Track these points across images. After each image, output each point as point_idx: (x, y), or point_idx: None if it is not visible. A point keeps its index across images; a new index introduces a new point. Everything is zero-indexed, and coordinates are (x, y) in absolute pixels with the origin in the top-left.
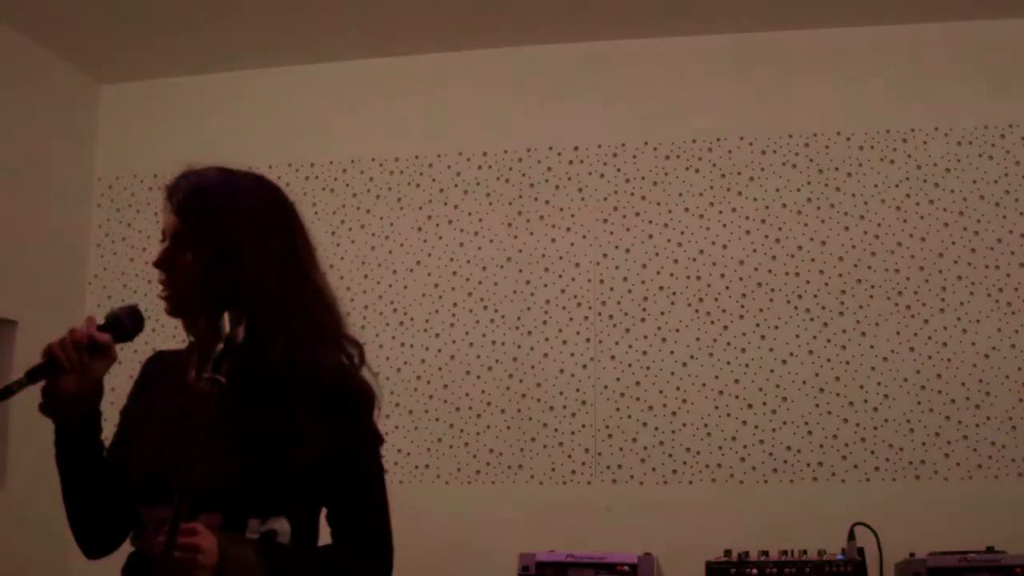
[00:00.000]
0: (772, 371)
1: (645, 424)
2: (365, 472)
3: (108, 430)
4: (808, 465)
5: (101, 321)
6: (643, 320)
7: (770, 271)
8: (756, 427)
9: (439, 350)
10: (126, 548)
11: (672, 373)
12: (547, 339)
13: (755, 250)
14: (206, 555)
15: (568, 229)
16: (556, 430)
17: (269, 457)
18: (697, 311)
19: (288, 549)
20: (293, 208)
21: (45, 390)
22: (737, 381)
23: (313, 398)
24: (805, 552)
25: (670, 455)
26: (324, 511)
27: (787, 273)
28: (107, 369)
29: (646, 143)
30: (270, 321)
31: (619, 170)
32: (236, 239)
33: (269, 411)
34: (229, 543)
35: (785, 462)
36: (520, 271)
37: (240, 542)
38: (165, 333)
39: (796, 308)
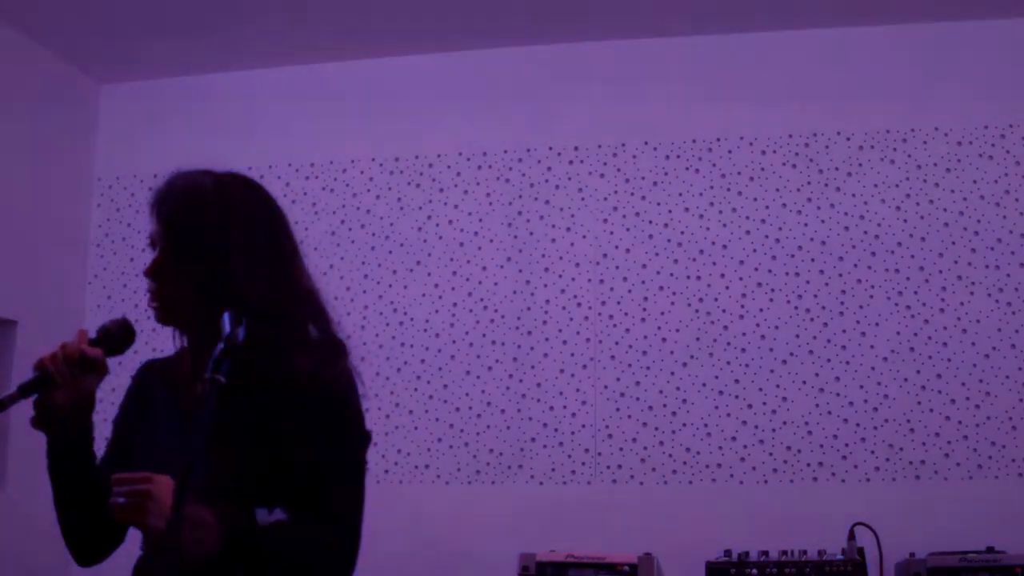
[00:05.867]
0: (772, 371)
1: (645, 424)
2: (340, 461)
3: (99, 442)
4: (808, 465)
5: (93, 335)
6: (643, 320)
7: (770, 271)
8: (756, 427)
9: (439, 350)
10: (130, 550)
11: (672, 373)
12: (547, 339)
13: (755, 250)
14: (155, 502)
15: (568, 229)
16: (556, 430)
17: (260, 453)
18: (697, 311)
19: (255, 520)
20: (279, 210)
21: (37, 404)
22: (737, 381)
23: (296, 399)
24: (805, 552)
25: (670, 455)
26: None
27: (787, 273)
28: (99, 383)
29: (646, 143)
30: (258, 326)
31: (619, 170)
32: (226, 248)
33: (257, 411)
34: (189, 503)
35: (785, 462)
36: (520, 271)
37: (201, 504)
38: (160, 339)
39: (796, 308)
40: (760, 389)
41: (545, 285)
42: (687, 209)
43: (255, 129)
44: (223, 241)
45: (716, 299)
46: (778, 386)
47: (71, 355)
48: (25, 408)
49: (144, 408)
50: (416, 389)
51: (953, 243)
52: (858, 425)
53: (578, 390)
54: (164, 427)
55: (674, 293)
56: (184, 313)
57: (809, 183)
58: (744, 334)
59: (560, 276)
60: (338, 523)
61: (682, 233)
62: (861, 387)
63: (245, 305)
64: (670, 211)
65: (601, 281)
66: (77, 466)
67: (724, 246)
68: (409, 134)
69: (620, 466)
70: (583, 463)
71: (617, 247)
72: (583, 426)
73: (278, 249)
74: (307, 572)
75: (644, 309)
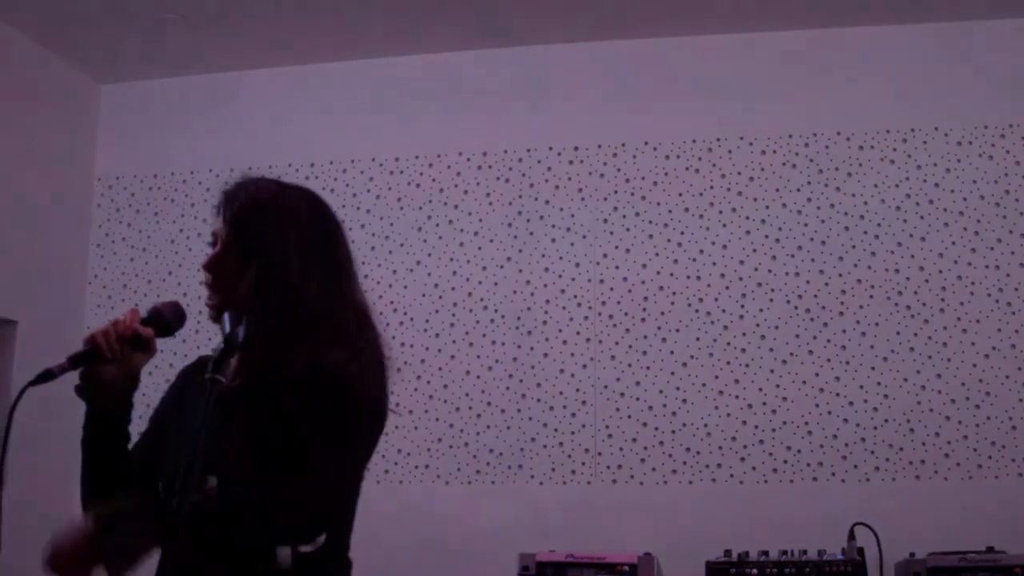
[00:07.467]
0: (772, 371)
1: (645, 424)
2: (333, 431)
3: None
4: (808, 465)
5: (144, 314)
6: (643, 320)
7: (770, 271)
8: (756, 427)
9: (439, 350)
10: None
11: (672, 373)
12: (547, 339)
13: (755, 250)
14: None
15: (568, 229)
16: (556, 430)
17: (281, 447)
18: (697, 311)
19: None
20: (339, 225)
21: (84, 375)
22: (737, 381)
23: (319, 398)
24: (805, 552)
25: (670, 455)
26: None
27: (787, 273)
28: (146, 362)
29: (646, 143)
30: (301, 331)
31: (619, 170)
32: (285, 255)
33: (284, 406)
34: (104, 530)
35: (785, 462)
36: (520, 271)
37: (127, 516)
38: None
39: (796, 308)
40: (760, 389)
41: (545, 285)
42: (687, 209)
43: (255, 129)
44: (282, 243)
45: (716, 299)
46: (778, 386)
47: (123, 332)
48: (23, 412)
49: (180, 403)
50: (416, 389)
51: (953, 243)
52: (858, 425)
53: (578, 390)
54: (197, 420)
55: (674, 293)
56: (235, 307)
57: (809, 183)
58: (744, 334)
59: (560, 276)
60: (306, 477)
61: (682, 233)
62: (861, 387)
63: (294, 310)
64: (670, 211)
65: (601, 281)
66: (113, 438)
67: (724, 246)
68: (409, 134)
69: (620, 466)
70: (583, 463)
71: (617, 247)
72: (583, 426)
73: (333, 259)
74: (264, 523)
75: (644, 309)
